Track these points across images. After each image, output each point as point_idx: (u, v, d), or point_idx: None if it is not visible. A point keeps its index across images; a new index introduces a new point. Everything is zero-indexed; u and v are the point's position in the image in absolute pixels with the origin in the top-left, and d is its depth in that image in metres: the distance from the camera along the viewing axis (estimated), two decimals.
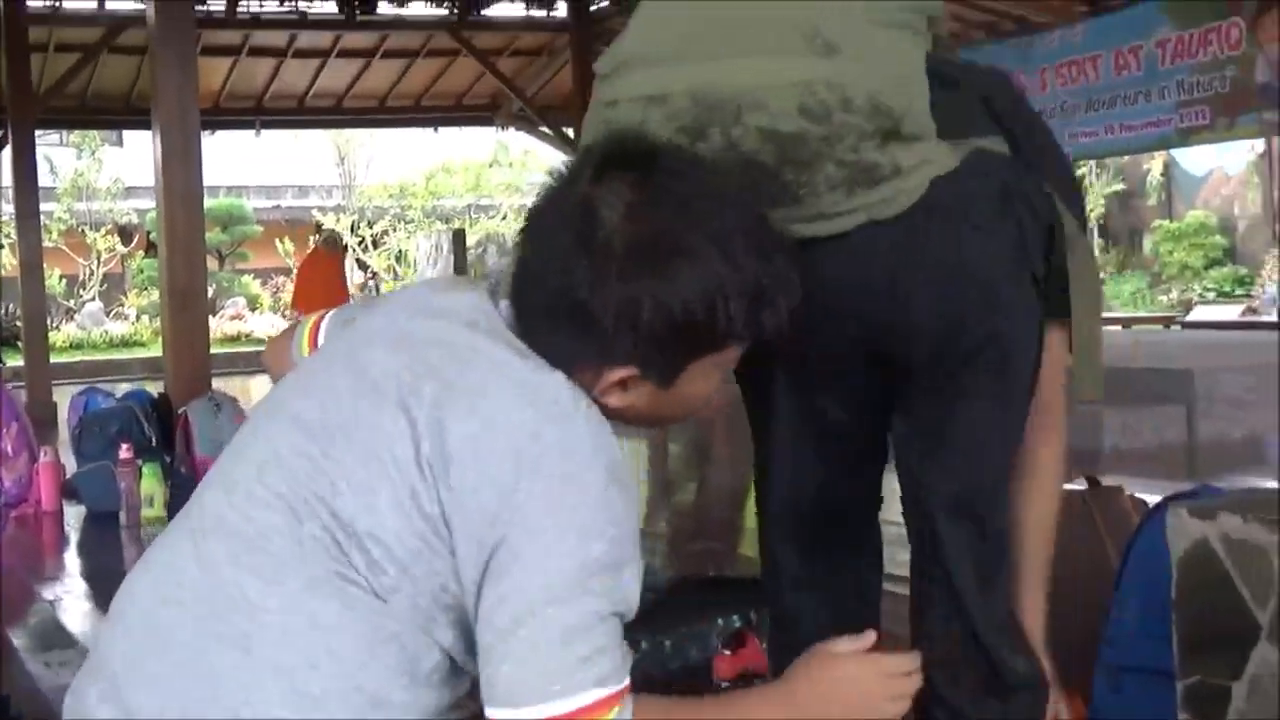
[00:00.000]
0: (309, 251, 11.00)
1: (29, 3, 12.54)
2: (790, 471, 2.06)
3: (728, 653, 3.29)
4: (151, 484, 5.98)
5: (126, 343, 23.98)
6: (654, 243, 1.45)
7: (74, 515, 6.37)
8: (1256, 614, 2.02)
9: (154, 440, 6.74)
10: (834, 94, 1.72)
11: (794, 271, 1.54)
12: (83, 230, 27.24)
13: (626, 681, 1.40)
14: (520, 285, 1.54)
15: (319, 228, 9.95)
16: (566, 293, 1.48)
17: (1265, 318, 15.84)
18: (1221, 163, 20.12)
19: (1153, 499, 3.97)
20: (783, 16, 1.76)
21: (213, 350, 9.00)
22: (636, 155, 1.52)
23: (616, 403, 1.52)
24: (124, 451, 6.12)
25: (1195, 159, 19.75)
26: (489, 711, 1.39)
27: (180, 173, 7.90)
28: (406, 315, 1.55)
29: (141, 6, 14.20)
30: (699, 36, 1.78)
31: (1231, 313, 18.20)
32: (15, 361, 17.83)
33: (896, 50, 1.78)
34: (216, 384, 7.70)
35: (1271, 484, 2.23)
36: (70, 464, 6.87)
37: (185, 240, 7.75)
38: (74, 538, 6.05)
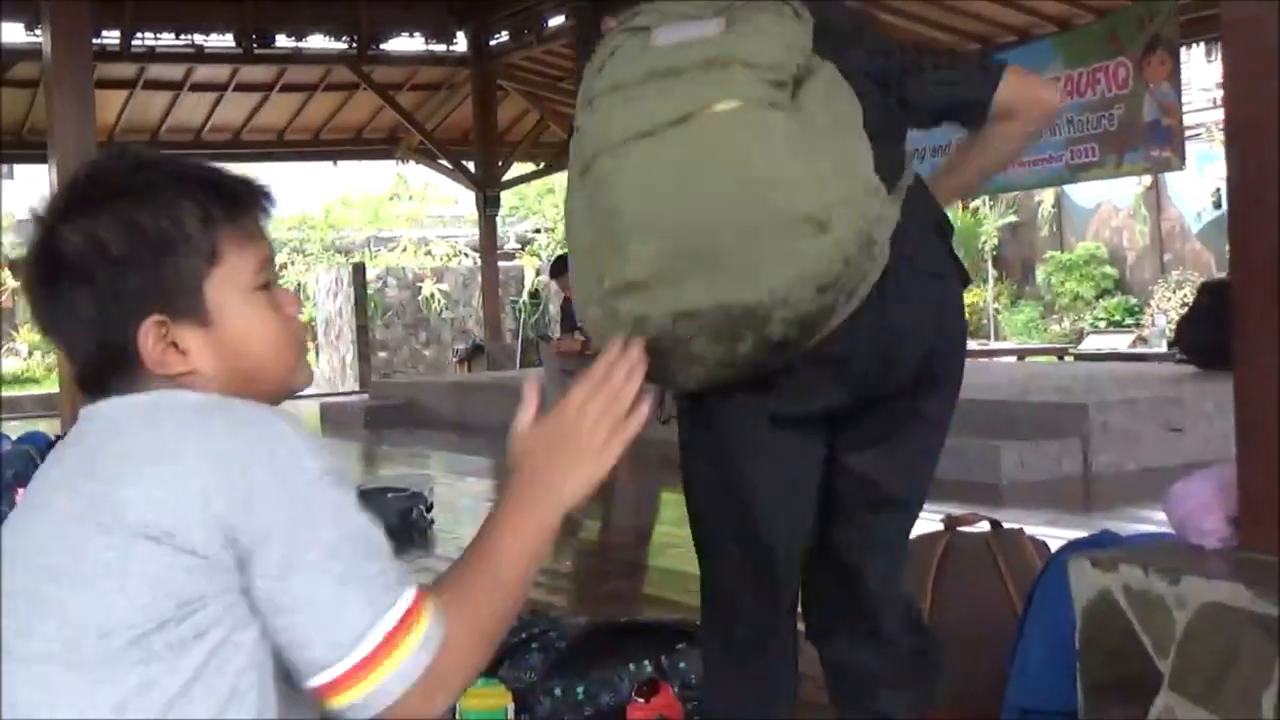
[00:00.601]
0: None
1: None
2: (787, 513, 2.22)
3: (641, 700, 3.30)
4: None
5: (19, 380, 23.52)
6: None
7: None
8: (1159, 663, 2.08)
9: None
10: (838, 261, 1.97)
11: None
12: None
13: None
14: None
15: None
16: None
17: (1154, 349, 16.19)
18: (1110, 195, 20.53)
19: (1050, 534, 4.06)
20: (777, 212, 1.95)
21: None
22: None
23: (180, 365, 1.47)
24: (19, 496, 6.01)
25: (1085, 192, 20.14)
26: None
27: None
28: None
29: (34, 40, 14.10)
30: (714, 252, 1.95)
31: (1122, 342, 18.57)
32: None
33: (876, 200, 2.04)
34: None
35: (1168, 529, 2.30)
36: None
37: None
38: None
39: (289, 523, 1.35)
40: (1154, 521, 6.13)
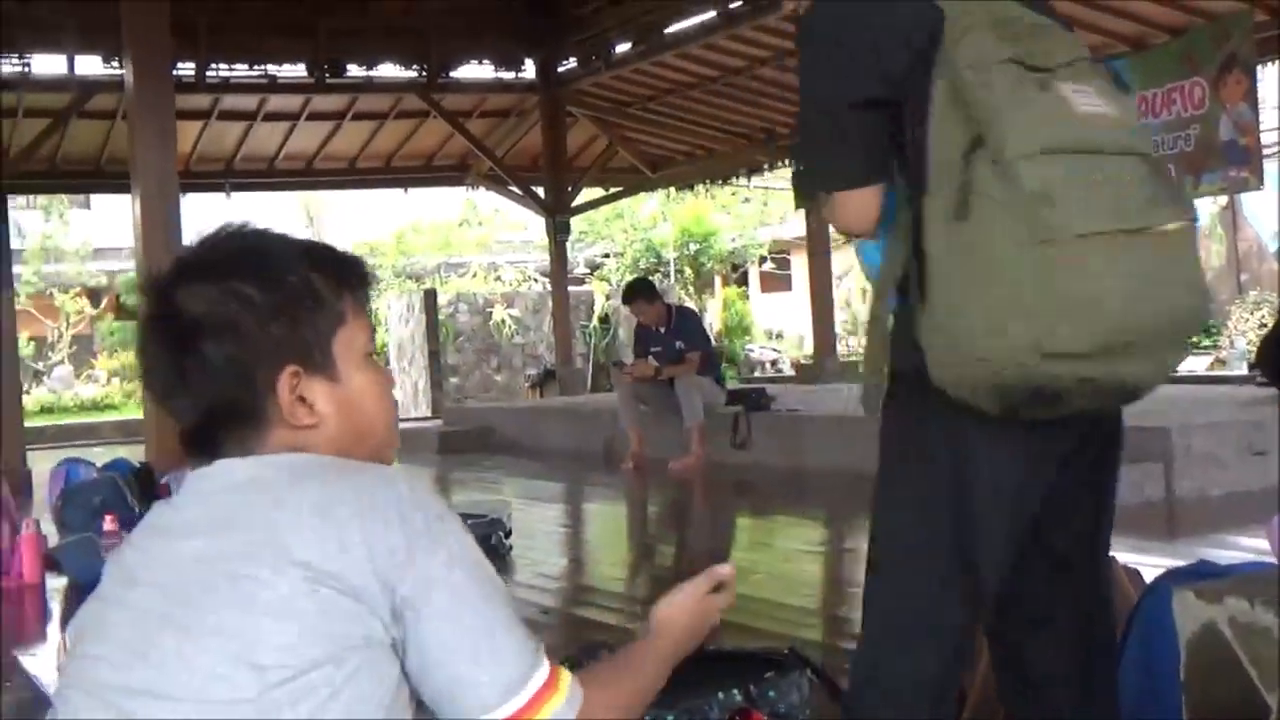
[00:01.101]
0: None
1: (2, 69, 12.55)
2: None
3: None
4: None
5: (98, 406, 23.86)
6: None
7: (56, 587, 6.34)
8: (1266, 696, 2.06)
9: (138, 511, 6.72)
10: None
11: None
12: (51, 293, 27.16)
13: None
14: None
15: None
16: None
17: (1234, 371, 15.99)
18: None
19: (1138, 560, 4.01)
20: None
21: None
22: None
23: (308, 418, 1.57)
24: (108, 523, 6.11)
25: None
26: None
27: (160, 239, 7.94)
28: None
29: (111, 71, 14.34)
30: (1148, 343, 2.06)
31: (1200, 364, 18.35)
32: None
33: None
34: None
35: (1270, 560, 2.27)
36: (52, 535, 6.84)
37: None
38: (56, 610, 6.01)
39: (447, 574, 1.47)
40: (1241, 548, 6.06)
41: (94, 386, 25.16)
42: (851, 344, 24.70)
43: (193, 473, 1.58)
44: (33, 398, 23.20)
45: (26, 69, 14.70)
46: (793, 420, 10.45)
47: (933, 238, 2.04)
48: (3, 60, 13.00)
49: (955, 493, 2.15)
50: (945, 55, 2.04)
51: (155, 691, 1.41)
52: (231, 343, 1.53)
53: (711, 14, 14.26)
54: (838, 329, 15.29)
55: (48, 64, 14.83)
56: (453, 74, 16.49)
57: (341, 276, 1.62)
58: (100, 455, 9.69)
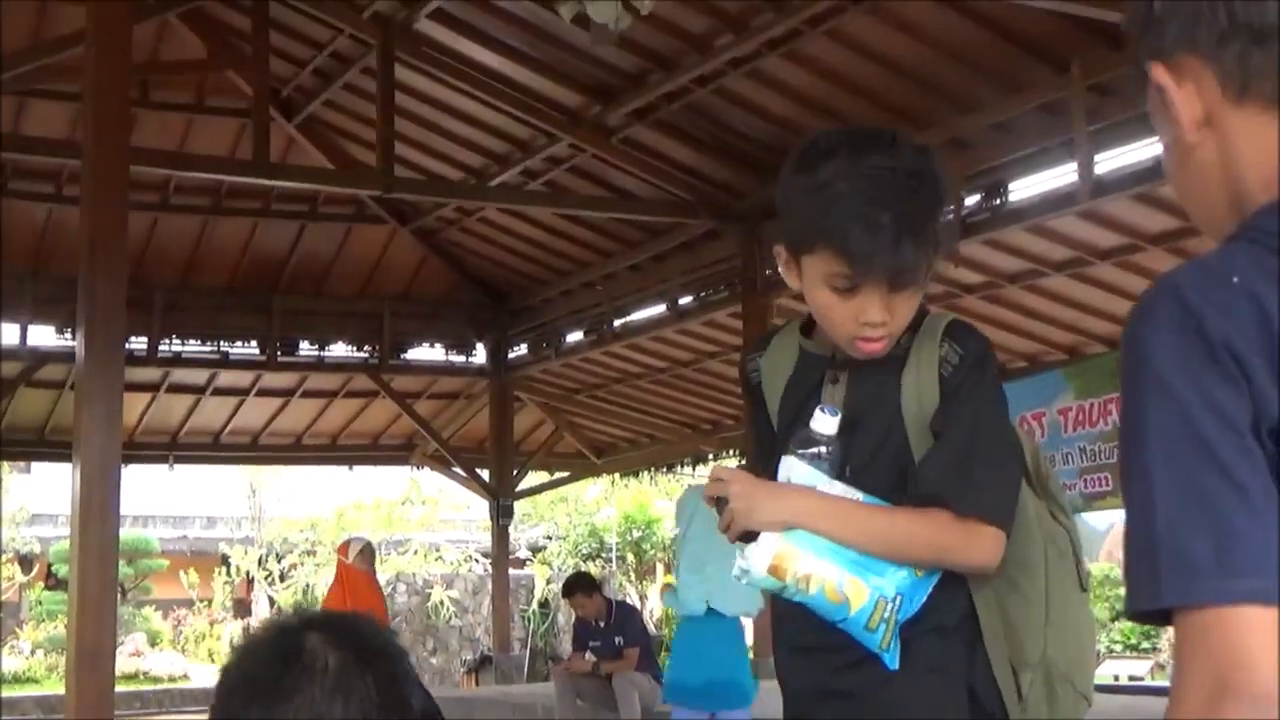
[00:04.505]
0: (339, 566, 10.25)
1: None
2: None
3: None
4: None
5: (19, 679, 23.13)
6: None
7: None
8: None
9: None
10: None
11: None
12: (14, 559, 26.72)
13: None
14: None
15: (347, 547, 9.06)
16: None
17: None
18: (1122, 518, 20.58)
19: None
20: None
21: None
22: None
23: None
24: None
25: (1098, 515, 20.17)
26: None
27: (98, 509, 7.86)
28: None
29: (62, 342, 14.42)
30: None
31: (1141, 668, 18.28)
32: None
33: None
34: None
35: None
36: None
37: (97, 601, 7.68)
38: None
39: None
40: None
41: (17, 659, 24.42)
42: None
43: None
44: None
45: None
46: None
47: None
48: None
49: None
50: None
51: None
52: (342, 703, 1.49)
53: (661, 308, 14.57)
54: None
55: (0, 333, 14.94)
56: (404, 355, 16.68)
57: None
58: None
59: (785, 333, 2.46)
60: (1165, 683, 16.64)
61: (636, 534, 28.06)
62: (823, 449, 2.23)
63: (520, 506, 21.93)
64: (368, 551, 9.48)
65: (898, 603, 2.17)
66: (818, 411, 2.24)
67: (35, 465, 26.86)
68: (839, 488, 2.21)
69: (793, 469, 2.23)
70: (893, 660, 2.17)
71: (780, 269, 2.35)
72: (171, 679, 20.11)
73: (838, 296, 2.20)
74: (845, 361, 2.30)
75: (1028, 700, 2.22)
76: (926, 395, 2.21)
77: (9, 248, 14.60)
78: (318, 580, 25.35)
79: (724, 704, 7.45)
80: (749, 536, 2.20)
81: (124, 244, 8.34)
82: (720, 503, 2.24)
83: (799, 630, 2.30)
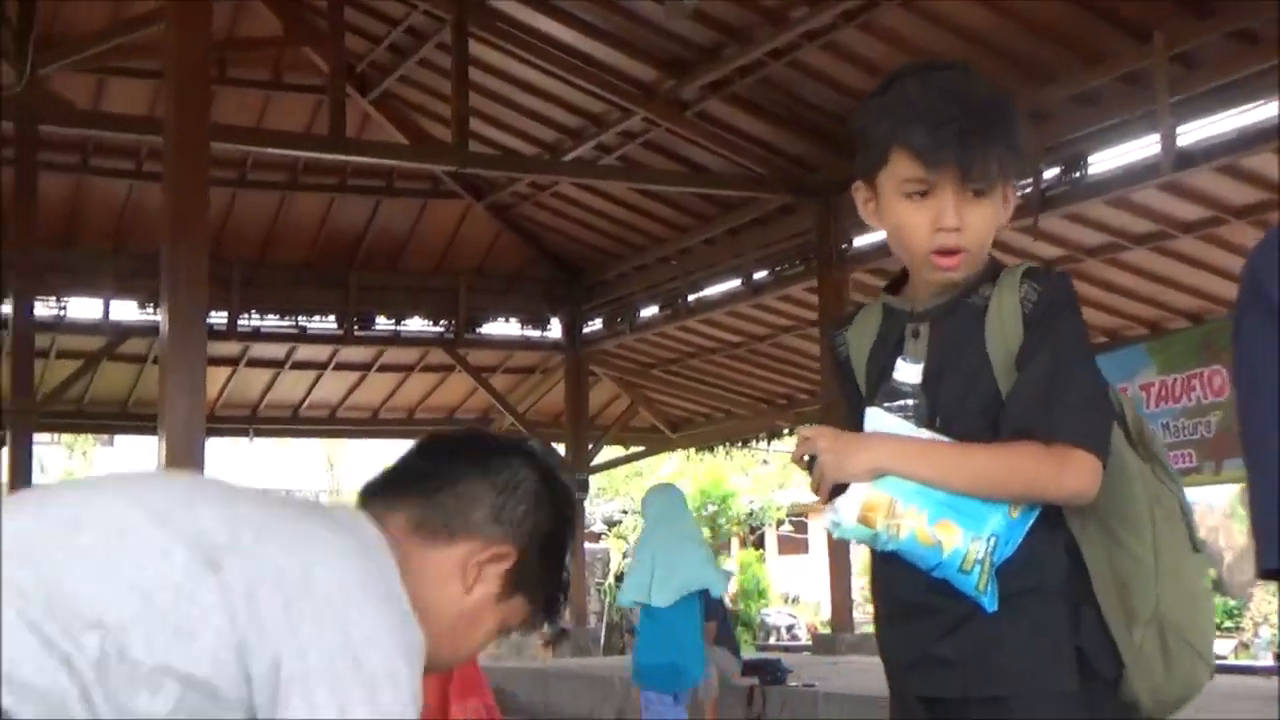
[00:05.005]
0: None
1: (36, 312, 12.79)
2: None
3: None
4: None
5: None
6: None
7: None
8: None
9: None
10: None
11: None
12: None
13: None
14: None
15: None
16: None
17: (1261, 662, 15.64)
18: (1206, 495, 20.29)
19: None
20: None
21: None
22: None
23: (480, 588, 1.86)
24: None
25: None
26: None
27: None
28: None
29: (144, 317, 14.61)
30: None
31: (1224, 647, 18.03)
32: None
33: None
34: None
35: None
36: None
37: None
38: None
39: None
40: None
41: None
42: (869, 611, 24.37)
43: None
44: None
45: (62, 312, 14.99)
46: (810, 696, 10.25)
47: None
48: (40, 304, 13.24)
49: None
50: None
51: None
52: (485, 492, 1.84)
53: (736, 282, 14.52)
54: (855, 595, 15.09)
55: (83, 308, 15.16)
56: (479, 330, 16.74)
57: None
58: None
59: (869, 306, 2.45)
60: (1250, 661, 16.40)
61: (711, 508, 28.08)
62: (908, 401, 2.21)
63: (595, 481, 22.03)
64: None
65: (992, 544, 2.11)
66: (899, 361, 2.23)
67: (118, 438, 27.28)
68: (926, 436, 2.18)
69: (879, 420, 2.20)
70: (991, 602, 2.12)
71: (860, 210, 2.35)
72: None
73: (912, 205, 2.21)
74: (926, 313, 2.27)
75: (1142, 657, 2.16)
76: (1012, 337, 2.17)
77: (91, 224, 14.81)
78: None
79: (673, 685, 7.79)
80: (838, 492, 2.17)
81: (205, 219, 8.43)
82: (809, 462, 2.23)
83: (896, 594, 2.26)
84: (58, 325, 14.90)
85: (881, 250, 12.60)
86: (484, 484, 1.83)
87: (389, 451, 27.15)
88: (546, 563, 1.87)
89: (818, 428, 2.26)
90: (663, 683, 7.72)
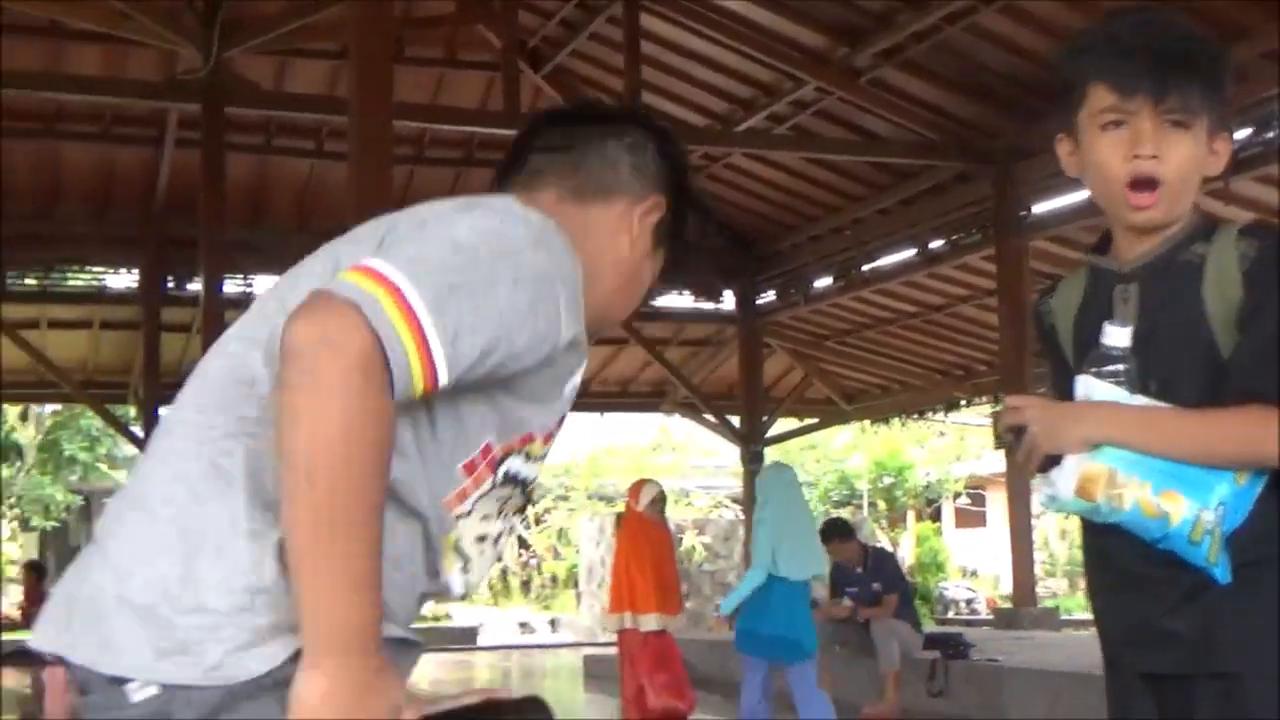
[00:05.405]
0: (628, 512, 9.34)
1: (225, 289, 13.12)
2: None
3: None
4: None
5: None
6: None
7: None
8: None
9: None
10: None
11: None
12: None
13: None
14: None
15: (639, 492, 8.55)
16: None
17: None
18: None
19: None
20: None
21: None
22: None
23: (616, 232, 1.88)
24: None
25: None
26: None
27: None
28: None
29: None
30: None
31: None
32: None
33: None
34: None
35: None
36: None
37: None
38: None
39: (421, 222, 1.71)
40: None
41: None
42: (1050, 586, 23.97)
43: None
44: None
45: (249, 289, 15.43)
46: (994, 671, 10.09)
47: None
48: (228, 281, 13.59)
49: None
50: None
51: None
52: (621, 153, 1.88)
53: (911, 252, 14.34)
54: (1036, 570, 14.85)
55: (269, 284, 15.52)
56: (653, 302, 16.79)
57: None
58: None
59: (1073, 274, 2.36)
60: None
61: (887, 481, 27.85)
62: (1119, 366, 2.10)
63: (769, 453, 21.96)
64: (660, 499, 9.24)
65: (1220, 513, 2.01)
66: (1107, 325, 2.11)
67: None
68: (1141, 402, 2.08)
69: (1090, 388, 2.10)
70: (1224, 574, 2.03)
71: (1064, 164, 2.25)
72: (435, 618, 20.70)
73: (1108, 138, 2.11)
74: (1134, 272, 2.17)
75: None
76: (1231, 296, 2.05)
77: (275, 203, 15.19)
78: (571, 524, 25.88)
79: (785, 657, 7.83)
80: (1049, 464, 2.10)
81: (389, 196, 8.55)
82: (1017, 432, 2.15)
83: (1115, 565, 2.13)
84: (245, 302, 15.28)
85: (1062, 217, 12.34)
86: (617, 145, 1.88)
87: (570, 427, 27.49)
88: (685, 214, 1.95)
89: (1027, 398, 2.18)
90: (783, 653, 7.82)
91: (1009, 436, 2.17)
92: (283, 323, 1.45)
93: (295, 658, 1.43)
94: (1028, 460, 2.12)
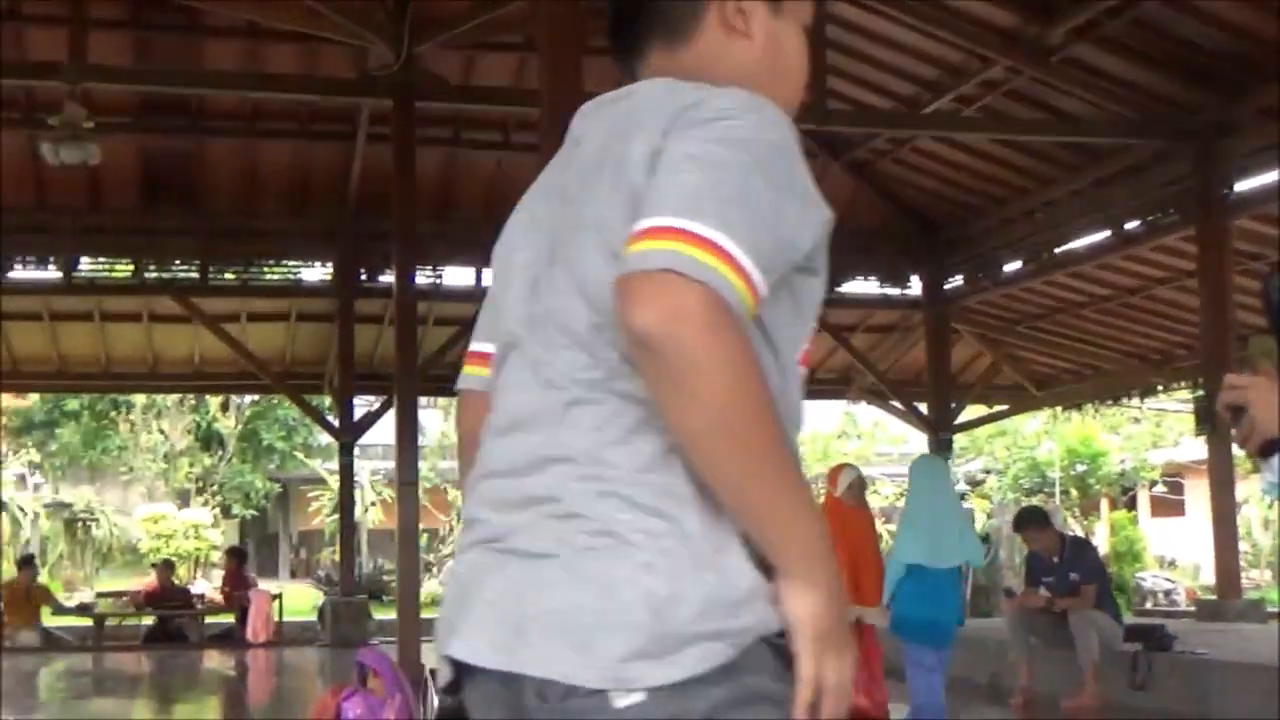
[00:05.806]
0: (827, 499, 9.05)
1: (416, 280, 13.31)
2: None
3: None
4: None
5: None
6: None
7: None
8: None
9: None
10: None
11: None
12: (445, 488, 28.43)
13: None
14: None
15: (837, 476, 8.45)
16: None
17: None
18: None
19: None
20: None
21: None
22: None
23: (741, 24, 1.76)
24: None
25: None
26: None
27: None
28: None
29: None
30: None
31: None
32: (381, 615, 18.58)
33: None
34: None
35: None
36: None
37: None
38: None
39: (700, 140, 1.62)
40: None
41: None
42: (1254, 577, 23.18)
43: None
44: (424, 590, 24.11)
45: (439, 281, 15.69)
46: (1200, 664, 9.76)
47: None
48: (419, 273, 13.80)
49: None
50: None
51: None
52: None
53: (1106, 234, 13.97)
54: (1240, 560, 14.34)
55: (458, 276, 15.86)
56: (838, 289, 16.64)
57: None
58: None
59: None
60: None
61: (1080, 468, 27.24)
62: None
63: (958, 440, 21.65)
64: (858, 484, 9.07)
65: None
66: None
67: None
68: None
69: None
70: None
71: None
72: None
73: None
74: None
75: None
76: None
77: (463, 195, 15.41)
78: None
79: (930, 642, 7.76)
80: (1270, 448, 2.00)
81: None
82: (1236, 411, 2.06)
83: None
84: (435, 293, 15.59)
85: (1270, 193, 11.89)
86: None
87: None
88: None
89: (1249, 377, 2.09)
90: (934, 638, 7.77)
91: (1227, 416, 2.08)
92: (616, 309, 1.50)
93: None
94: (1245, 442, 2.03)
